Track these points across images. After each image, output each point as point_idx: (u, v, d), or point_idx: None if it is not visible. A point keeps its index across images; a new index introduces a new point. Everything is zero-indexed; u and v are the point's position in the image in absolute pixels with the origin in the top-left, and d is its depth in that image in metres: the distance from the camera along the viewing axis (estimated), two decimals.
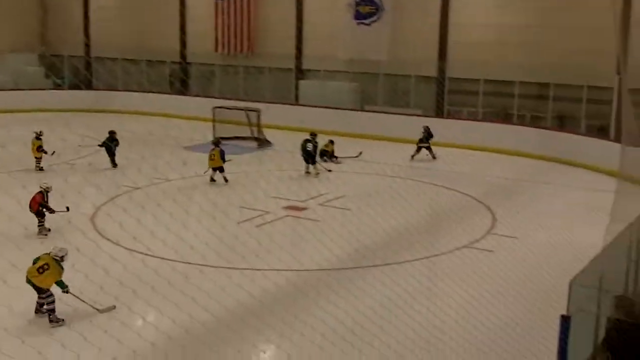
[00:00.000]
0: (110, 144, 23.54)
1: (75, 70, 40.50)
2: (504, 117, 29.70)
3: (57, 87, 39.01)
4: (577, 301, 7.22)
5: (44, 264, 11.44)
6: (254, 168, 24.60)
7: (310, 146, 23.65)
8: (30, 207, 15.79)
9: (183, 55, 38.62)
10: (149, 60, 38.14)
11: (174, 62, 38.68)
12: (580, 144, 26.22)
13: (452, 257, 15.44)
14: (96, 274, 10.53)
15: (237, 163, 24.16)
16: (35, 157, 22.72)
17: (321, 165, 24.23)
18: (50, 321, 11.39)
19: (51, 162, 22.81)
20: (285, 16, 34.73)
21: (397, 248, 16.10)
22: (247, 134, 29.33)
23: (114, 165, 23.52)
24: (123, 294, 10.39)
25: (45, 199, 15.90)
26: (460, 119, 29.98)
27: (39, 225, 15.90)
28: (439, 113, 31.08)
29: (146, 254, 13.43)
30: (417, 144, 26.33)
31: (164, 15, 38.54)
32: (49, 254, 11.65)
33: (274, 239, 14.86)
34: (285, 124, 29.47)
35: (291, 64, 35.29)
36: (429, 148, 26.25)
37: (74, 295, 11.51)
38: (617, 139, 25.17)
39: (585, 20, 27.21)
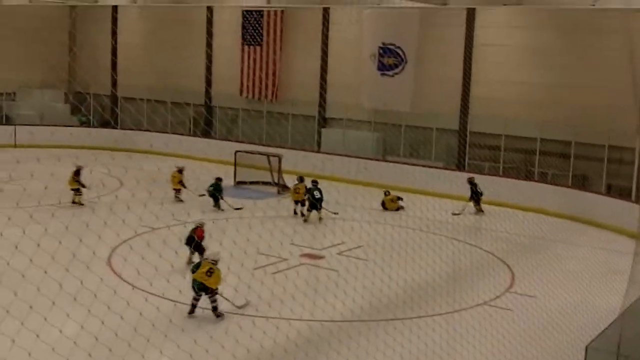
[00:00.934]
0: (217, 192, 24.77)
1: (101, 109, 40.94)
2: (526, 174, 29.67)
3: (83, 124, 39.44)
4: None
5: (209, 269, 13.89)
6: (272, 214, 24.62)
7: (317, 193, 23.89)
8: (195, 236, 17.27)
9: (208, 98, 38.98)
10: (174, 102, 38.50)
11: (198, 105, 39.03)
12: (600, 203, 26.08)
13: (471, 315, 15.35)
14: (112, 319, 10.47)
15: (256, 208, 24.23)
16: (174, 189, 25.71)
17: (327, 210, 24.33)
18: (217, 316, 13.93)
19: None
20: (310, 64, 35.07)
21: (414, 303, 16.03)
22: (268, 179, 29.45)
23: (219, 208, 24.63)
24: (136, 341, 10.34)
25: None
26: (482, 173, 29.93)
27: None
28: (460, 166, 31.11)
29: (161, 297, 13.44)
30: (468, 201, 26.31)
31: (191, 57, 39.03)
32: (206, 259, 14.36)
33: (288, 288, 14.81)
34: (306, 171, 29.51)
35: (314, 112, 35.54)
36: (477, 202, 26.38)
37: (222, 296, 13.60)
38: (638, 201, 25.15)
39: (607, 79, 27.38)
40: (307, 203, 24.19)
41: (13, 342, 8.35)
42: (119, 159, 31.00)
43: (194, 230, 17.71)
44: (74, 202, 23.68)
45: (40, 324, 9.99)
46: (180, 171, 26.05)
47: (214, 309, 14.06)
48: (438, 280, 17.76)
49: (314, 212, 23.97)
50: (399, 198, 26.64)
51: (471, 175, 27.41)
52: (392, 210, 26.17)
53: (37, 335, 8.67)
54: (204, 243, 17.40)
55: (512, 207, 26.94)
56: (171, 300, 13.62)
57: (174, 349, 10.65)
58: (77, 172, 24.08)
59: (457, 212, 25.82)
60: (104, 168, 26.33)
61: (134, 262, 14.31)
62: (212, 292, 14.00)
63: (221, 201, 24.72)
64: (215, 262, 14.10)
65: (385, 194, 26.70)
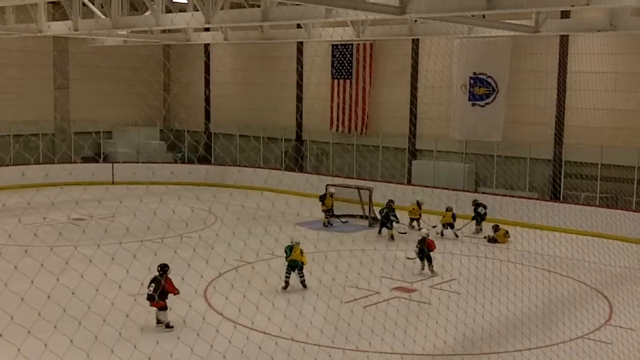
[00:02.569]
0: (390, 213, 26.19)
1: (194, 145, 41.84)
2: (623, 204, 28.79)
3: (179, 161, 40.32)
4: None
5: (300, 249, 18.79)
6: (363, 247, 24.56)
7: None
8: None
9: (298, 133, 39.38)
10: (265, 137, 39.02)
11: (289, 139, 39.45)
12: None
13: (567, 348, 14.87)
14: (201, 347, 10.55)
15: (348, 241, 24.22)
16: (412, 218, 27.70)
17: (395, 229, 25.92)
18: (304, 287, 18.73)
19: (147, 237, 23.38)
20: (400, 96, 35.06)
21: (509, 336, 15.67)
22: (359, 212, 29.42)
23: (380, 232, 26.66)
24: None
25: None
26: (577, 203, 29.19)
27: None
28: (555, 197, 30.42)
29: (251, 329, 13.49)
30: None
31: (281, 92, 39.59)
32: (297, 243, 18.95)
33: (380, 320, 14.68)
34: (397, 204, 29.32)
35: (404, 144, 35.41)
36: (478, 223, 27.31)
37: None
38: None
39: None
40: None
41: None
42: (216, 194, 31.41)
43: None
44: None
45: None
46: (330, 195, 28.39)
47: (302, 282, 18.86)
48: (533, 312, 17.33)
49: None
50: (507, 232, 26.26)
51: (478, 199, 28.27)
52: (503, 243, 25.77)
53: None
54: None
55: (608, 237, 26.14)
56: (260, 332, 13.66)
57: None
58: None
59: (458, 228, 26.68)
60: (203, 204, 26.78)
61: (227, 294, 14.43)
62: (302, 268, 18.81)
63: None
64: (298, 244, 19.00)
65: (495, 228, 26.24)
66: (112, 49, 37.93)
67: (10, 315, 8.15)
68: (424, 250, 21.00)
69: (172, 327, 15.00)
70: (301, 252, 18.87)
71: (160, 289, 14.79)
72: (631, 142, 28.40)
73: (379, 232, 26.53)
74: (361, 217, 29.24)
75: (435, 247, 21.29)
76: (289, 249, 19.11)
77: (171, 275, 14.48)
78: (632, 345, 15.03)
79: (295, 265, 18.89)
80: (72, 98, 40.16)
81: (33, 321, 8.87)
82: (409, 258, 22.12)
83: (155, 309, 15.17)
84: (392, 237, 25.72)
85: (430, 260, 21.16)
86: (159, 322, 15.27)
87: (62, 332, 8.41)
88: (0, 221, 19.11)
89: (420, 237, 21.50)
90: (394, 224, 25.96)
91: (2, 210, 25.64)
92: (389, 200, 26.70)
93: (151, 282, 15.18)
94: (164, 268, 15.41)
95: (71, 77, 40.05)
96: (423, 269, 21.28)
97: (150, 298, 15.10)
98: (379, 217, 26.90)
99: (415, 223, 27.65)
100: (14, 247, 17.82)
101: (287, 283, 18.81)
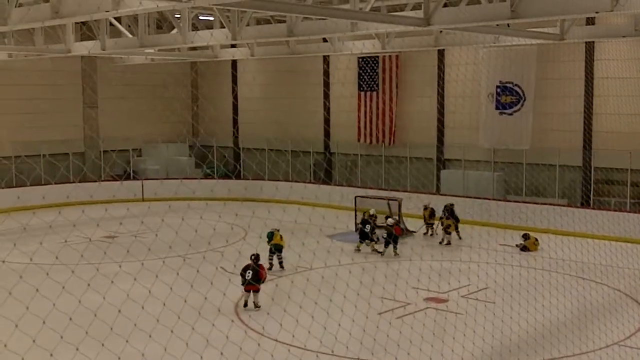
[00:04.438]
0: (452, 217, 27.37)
1: (224, 160, 42.18)
2: None
3: (207, 176, 40.61)
4: None
5: (280, 235, 22.54)
6: (395, 257, 24.72)
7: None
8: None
9: (326, 146, 39.63)
10: (294, 151, 39.29)
11: (317, 152, 39.69)
12: None
13: (602, 356, 14.93)
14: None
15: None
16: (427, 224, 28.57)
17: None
18: (283, 267, 22.40)
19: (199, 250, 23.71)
20: (427, 107, 35.21)
21: (544, 344, 15.74)
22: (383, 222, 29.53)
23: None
24: None
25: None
26: (608, 209, 29.15)
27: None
28: (585, 204, 30.38)
29: (291, 345, 13.70)
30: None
31: (308, 106, 39.91)
32: (277, 230, 22.60)
33: (416, 331, 14.82)
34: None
35: (432, 154, 35.54)
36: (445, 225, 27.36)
37: None
38: None
39: None
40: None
41: None
42: (249, 209, 31.68)
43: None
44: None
45: None
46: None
47: (281, 263, 22.54)
48: (566, 320, 17.39)
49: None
50: (536, 240, 26.28)
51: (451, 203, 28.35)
52: (534, 251, 25.82)
53: None
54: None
55: None
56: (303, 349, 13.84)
57: None
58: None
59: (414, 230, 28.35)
60: (237, 219, 27.05)
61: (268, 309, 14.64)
62: (281, 251, 22.47)
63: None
64: (278, 230, 22.58)
65: (525, 237, 26.27)
66: (140, 67, 38.43)
67: (60, 333, 8.39)
68: (392, 234, 24.53)
69: (260, 306, 18.16)
70: (280, 237, 22.60)
71: (257, 274, 18.23)
72: None
73: (358, 247, 25.87)
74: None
75: (400, 233, 25.63)
76: (270, 235, 22.71)
77: (213, 289, 14.74)
78: None
79: (277, 249, 22.60)
80: (102, 116, 40.72)
81: (81, 338, 9.20)
82: (411, 231, 22.81)
83: (247, 292, 18.34)
84: (374, 250, 25.63)
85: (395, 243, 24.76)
86: (246, 304, 18.33)
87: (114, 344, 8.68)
88: (44, 239, 19.53)
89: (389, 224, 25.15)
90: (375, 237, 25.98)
91: (47, 228, 26.06)
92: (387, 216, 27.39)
93: (246, 269, 18.41)
94: (257, 257, 18.85)
95: (100, 96, 40.61)
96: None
97: (246, 284, 18.16)
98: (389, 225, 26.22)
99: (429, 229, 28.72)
100: (60, 266, 18.06)
101: (271, 264, 22.37)
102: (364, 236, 25.81)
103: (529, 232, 26.53)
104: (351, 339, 12.33)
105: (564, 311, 17.49)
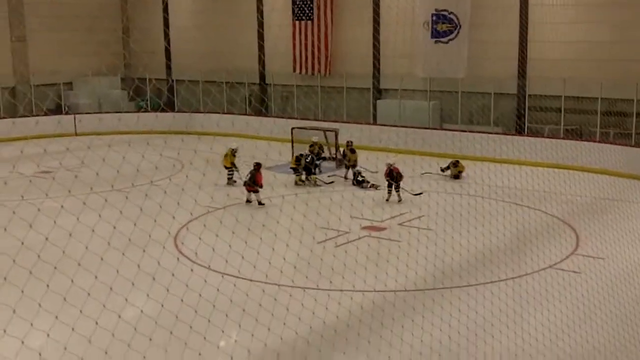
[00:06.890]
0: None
1: (157, 93, 41.39)
2: (587, 135, 29.15)
3: (141, 109, 39.81)
4: None
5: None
6: (332, 188, 24.69)
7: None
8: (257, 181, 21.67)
9: (262, 77, 39.11)
10: (229, 82, 38.70)
11: (252, 83, 39.17)
12: None
13: (536, 279, 15.17)
14: (190, 297, 10.51)
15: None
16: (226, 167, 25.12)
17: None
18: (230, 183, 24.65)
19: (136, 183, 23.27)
20: (362, 36, 34.83)
21: (480, 269, 15.95)
22: (326, 154, 29.42)
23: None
24: (215, 317, 10.42)
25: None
26: (542, 136, 29.50)
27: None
28: (520, 131, 30.69)
29: (225, 273, 13.54)
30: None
31: (242, 36, 39.17)
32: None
33: (357, 260, 14.80)
34: (364, 144, 29.41)
35: (369, 84, 35.36)
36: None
37: None
38: None
39: None
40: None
41: (96, 324, 8.54)
42: (177, 141, 31.14)
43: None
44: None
45: (122, 304, 10.19)
46: (233, 152, 25.13)
47: (230, 178, 24.62)
48: (502, 246, 17.60)
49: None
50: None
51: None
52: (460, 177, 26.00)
53: (119, 316, 8.85)
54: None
55: (574, 168, 26.54)
56: (230, 276, 13.71)
57: (235, 328, 10.76)
58: (233, 154, 25.06)
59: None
60: (171, 151, 26.58)
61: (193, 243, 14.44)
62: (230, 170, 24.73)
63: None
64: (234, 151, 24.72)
65: (454, 164, 26.27)
66: None
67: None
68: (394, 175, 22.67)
69: (264, 204, 21.36)
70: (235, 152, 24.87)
71: (253, 178, 21.50)
72: (594, 73, 28.62)
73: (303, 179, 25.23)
74: (328, 158, 29.22)
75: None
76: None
77: (144, 219, 14.41)
78: (601, 274, 15.34)
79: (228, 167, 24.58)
80: (31, 49, 39.41)
81: (8, 268, 8.91)
82: (416, 194, 22.28)
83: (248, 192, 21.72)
84: (315, 183, 25.10)
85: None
86: (248, 201, 21.78)
87: (38, 278, 8.38)
88: None
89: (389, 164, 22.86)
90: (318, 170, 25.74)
91: None
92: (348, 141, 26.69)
93: (248, 173, 21.90)
94: (258, 164, 21.88)
95: (28, 29, 39.23)
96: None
97: (245, 184, 21.83)
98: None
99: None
100: None
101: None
102: (308, 171, 25.16)
103: (459, 160, 26.57)
104: (286, 264, 12.18)
105: (501, 237, 17.68)
